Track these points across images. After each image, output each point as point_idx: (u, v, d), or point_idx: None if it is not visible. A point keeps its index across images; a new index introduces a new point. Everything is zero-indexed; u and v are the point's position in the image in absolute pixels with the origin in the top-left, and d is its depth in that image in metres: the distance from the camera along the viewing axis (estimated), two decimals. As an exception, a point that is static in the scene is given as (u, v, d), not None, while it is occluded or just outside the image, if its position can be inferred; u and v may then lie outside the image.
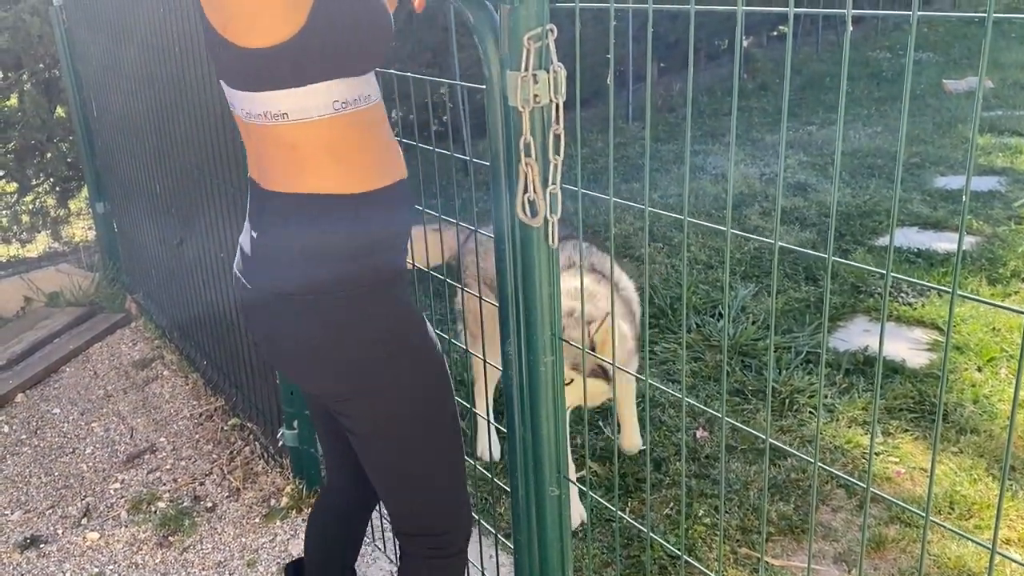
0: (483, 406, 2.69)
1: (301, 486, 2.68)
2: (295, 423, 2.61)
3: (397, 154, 1.42)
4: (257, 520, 2.64)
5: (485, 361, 2.06)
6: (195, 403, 3.38)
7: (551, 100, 1.30)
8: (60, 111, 5.59)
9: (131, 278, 4.48)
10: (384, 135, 1.39)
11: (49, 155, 5.71)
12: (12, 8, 5.17)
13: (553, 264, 1.40)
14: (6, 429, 3.31)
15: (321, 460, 2.63)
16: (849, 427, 2.89)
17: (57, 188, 5.99)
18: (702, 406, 1.67)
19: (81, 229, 6.18)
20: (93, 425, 3.29)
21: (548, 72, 1.28)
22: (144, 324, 4.15)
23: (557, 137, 1.32)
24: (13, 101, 5.61)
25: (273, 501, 2.71)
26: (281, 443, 2.69)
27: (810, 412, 2.98)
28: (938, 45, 10.35)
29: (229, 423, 3.16)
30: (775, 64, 9.75)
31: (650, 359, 3.38)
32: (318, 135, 1.29)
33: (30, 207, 5.98)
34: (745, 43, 10.33)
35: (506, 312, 1.49)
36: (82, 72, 4.38)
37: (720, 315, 3.68)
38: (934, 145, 6.17)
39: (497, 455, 2.78)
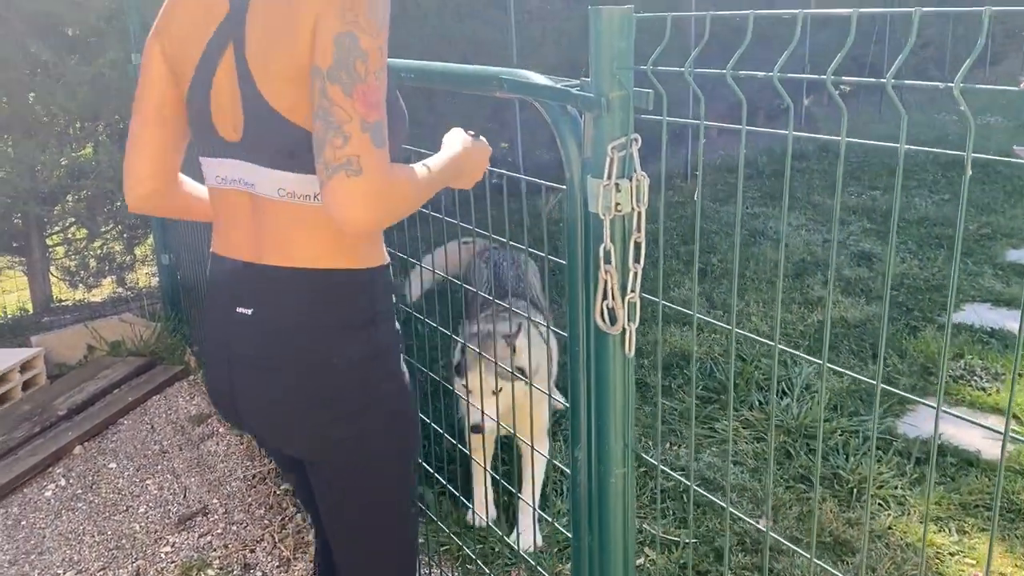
0: (481, 477, 2.89)
1: (352, 561, 2.63)
2: (349, 496, 2.58)
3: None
4: (306, 593, 2.60)
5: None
6: (248, 464, 3.37)
7: (633, 208, 1.26)
8: (131, 161, 5.75)
9: (191, 330, 4.53)
10: None
11: (119, 203, 5.86)
12: (93, 62, 5.35)
13: (628, 373, 1.35)
14: (63, 482, 3.34)
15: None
16: (922, 523, 2.76)
17: (125, 235, 6.14)
18: (738, 513, 1.59)
19: (145, 275, 6.32)
20: (148, 482, 3.30)
21: (631, 181, 1.25)
22: (202, 377, 4.18)
23: (638, 245, 1.28)
24: (88, 151, 5.79)
25: (323, 574, 2.67)
26: (334, 515, 2.66)
27: (879, 504, 2.86)
28: (1009, 109, 10.14)
29: (281, 487, 3.14)
30: (837, 124, 9.64)
31: (709, 438, 3.29)
32: None
33: (98, 252, 6.14)
34: (806, 101, 10.25)
35: (577, 416, 1.44)
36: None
37: (784, 392, 3.58)
38: (1005, 216, 6.00)
39: (493, 515, 2.89)
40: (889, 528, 2.75)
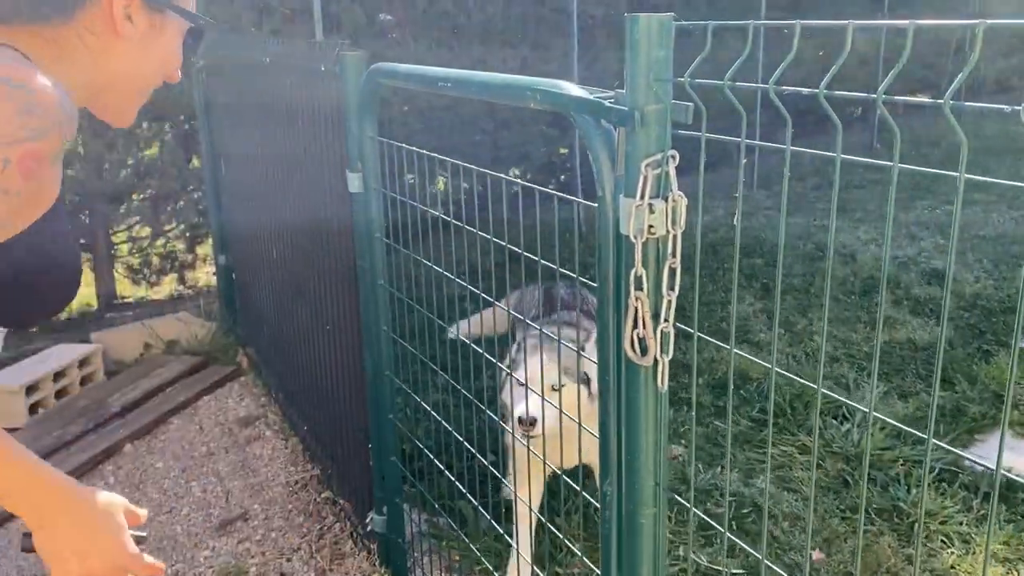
0: (525, 528, 2.53)
1: (387, 575, 2.59)
2: (384, 509, 2.53)
3: None
4: (340, 606, 2.56)
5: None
6: (292, 469, 3.36)
7: (668, 231, 1.17)
8: (195, 161, 5.84)
9: (245, 331, 4.56)
10: None
11: (182, 203, 5.96)
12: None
13: (662, 407, 1.26)
14: (112, 480, 3.37)
15: (408, 550, 2.54)
16: (988, 562, 2.59)
17: (187, 234, 6.24)
18: (774, 566, 1.48)
19: (206, 274, 6.41)
20: (192, 484, 3.31)
21: (666, 201, 1.16)
22: (252, 380, 4.20)
23: (673, 271, 1.19)
24: (154, 150, 5.90)
25: (358, 587, 2.63)
26: (370, 527, 2.62)
27: (942, 541, 2.69)
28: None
29: (322, 495, 3.12)
30: (912, 134, 9.30)
31: (763, 463, 3.15)
32: None
33: (161, 251, 6.26)
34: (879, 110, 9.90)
35: (607, 448, 1.36)
36: (214, 130, 4.54)
37: (845, 417, 3.41)
38: (1091, 234, 5.69)
39: None
40: (952, 567, 2.58)
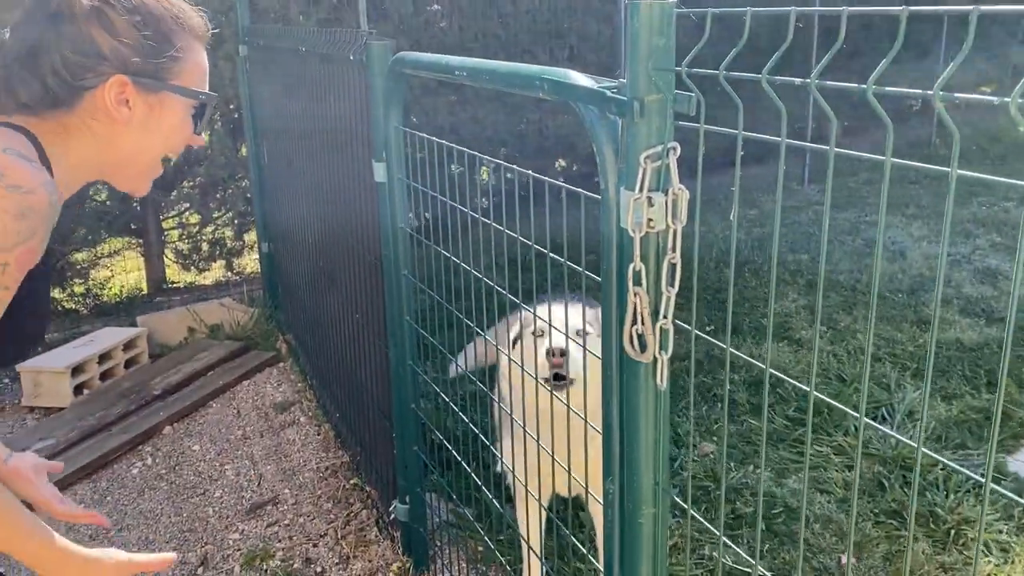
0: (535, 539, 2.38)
1: (408, 564, 2.60)
2: (407, 498, 2.54)
3: None
4: (362, 593, 2.58)
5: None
6: (323, 455, 3.39)
7: (668, 226, 1.15)
8: (243, 150, 5.93)
9: (285, 317, 4.62)
10: None
11: (230, 190, 6.05)
12: (210, 55, 5.54)
13: (661, 406, 1.24)
14: (150, 461, 3.45)
15: (430, 540, 2.54)
16: (1027, 574, 2.50)
17: (235, 221, 6.34)
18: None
19: (253, 261, 6.50)
20: (226, 467, 3.37)
21: (666, 195, 1.13)
22: (291, 365, 4.25)
23: (672, 266, 1.16)
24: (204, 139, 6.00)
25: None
26: (393, 516, 2.63)
27: (980, 549, 2.61)
28: None
29: (351, 482, 3.14)
30: (972, 129, 9.01)
31: (797, 464, 3.09)
32: None
33: (210, 237, 6.37)
34: (938, 107, 9.60)
35: (609, 445, 1.33)
36: (258, 119, 4.60)
37: (883, 418, 3.33)
38: None
39: None
40: (989, 577, 2.50)
